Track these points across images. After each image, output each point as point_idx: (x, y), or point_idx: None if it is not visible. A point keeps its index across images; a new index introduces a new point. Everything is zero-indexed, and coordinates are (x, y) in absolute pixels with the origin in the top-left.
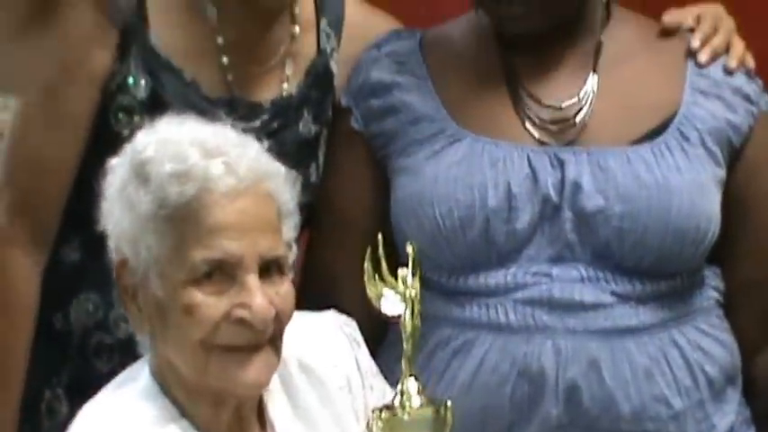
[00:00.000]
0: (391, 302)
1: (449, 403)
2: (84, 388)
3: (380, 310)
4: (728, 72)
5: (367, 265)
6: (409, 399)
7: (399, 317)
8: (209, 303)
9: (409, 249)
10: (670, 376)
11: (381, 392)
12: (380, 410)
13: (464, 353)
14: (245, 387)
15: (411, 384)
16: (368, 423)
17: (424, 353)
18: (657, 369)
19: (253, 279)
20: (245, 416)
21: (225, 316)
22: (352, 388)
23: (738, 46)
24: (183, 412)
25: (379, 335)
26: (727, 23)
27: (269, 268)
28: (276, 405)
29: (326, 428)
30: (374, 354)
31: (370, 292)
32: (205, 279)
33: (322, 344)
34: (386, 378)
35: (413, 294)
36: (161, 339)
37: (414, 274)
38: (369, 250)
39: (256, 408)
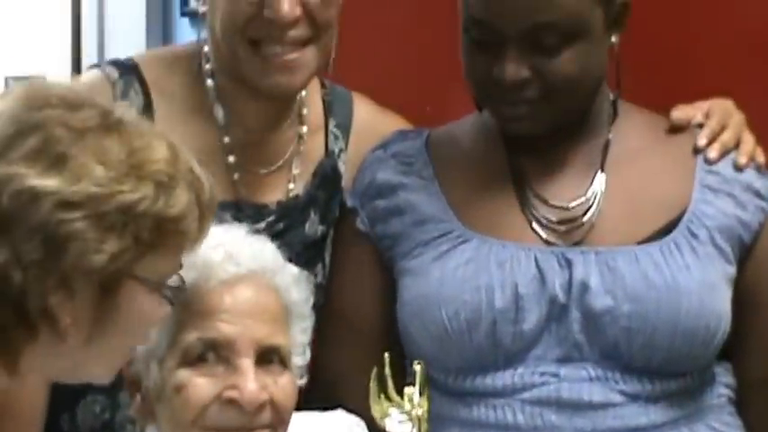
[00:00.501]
0: (397, 421)
1: None
2: None
3: (385, 429)
4: (738, 168)
5: (372, 384)
6: None
7: None
8: (200, 384)
9: (417, 368)
10: None
11: None
12: None
13: None
14: None
15: None
16: None
17: None
18: None
19: (246, 363)
20: None
21: (216, 397)
22: None
23: (748, 141)
24: None
25: None
26: (737, 118)
27: (269, 358)
28: None
29: None
30: None
31: (375, 411)
32: (199, 361)
33: None
34: None
35: (420, 414)
36: (163, 423)
37: (421, 393)
38: (375, 369)
39: None
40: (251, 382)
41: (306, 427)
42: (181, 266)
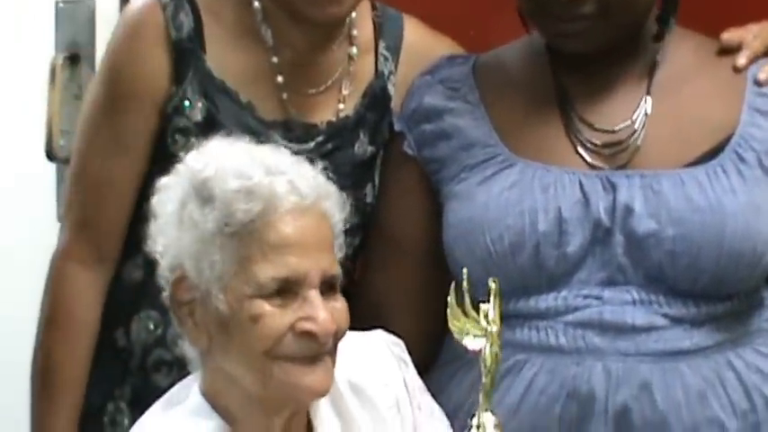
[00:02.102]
0: (473, 337)
1: None
2: (145, 402)
3: (463, 345)
4: None
5: (451, 299)
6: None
7: (481, 353)
8: (275, 315)
9: (492, 285)
10: (725, 399)
11: (429, 411)
12: None
13: (514, 374)
14: (309, 394)
15: (488, 418)
16: None
17: (475, 374)
18: (712, 391)
19: (314, 294)
20: (294, 427)
21: (290, 328)
22: (401, 407)
23: None
24: (234, 429)
25: (427, 355)
26: None
27: (329, 286)
28: (326, 425)
29: None
30: (422, 373)
31: (454, 326)
32: (272, 294)
33: (371, 364)
34: (437, 397)
35: (494, 330)
36: (221, 352)
37: (495, 308)
38: (453, 285)
39: (305, 427)
40: (323, 312)
41: (347, 347)
42: None
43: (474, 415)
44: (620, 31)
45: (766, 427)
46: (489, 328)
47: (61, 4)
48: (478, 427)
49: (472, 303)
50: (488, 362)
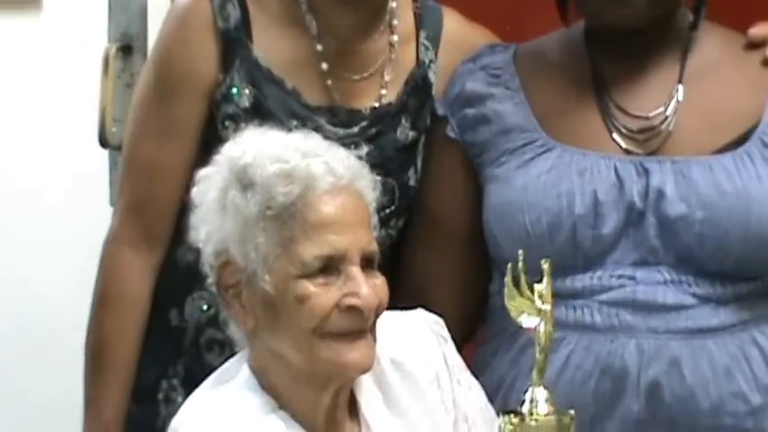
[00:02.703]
0: (527, 316)
1: (572, 413)
2: (197, 380)
3: (519, 323)
4: None
5: (507, 279)
6: (537, 406)
7: (536, 330)
8: (321, 294)
9: (545, 266)
10: (749, 373)
11: (467, 386)
12: (510, 415)
13: (551, 351)
14: (355, 369)
15: (540, 393)
16: (499, 427)
17: (515, 349)
18: (737, 367)
19: (356, 270)
20: (340, 403)
21: (335, 305)
22: (440, 382)
23: None
24: (282, 404)
25: (466, 333)
26: None
27: (369, 262)
28: (369, 400)
29: (418, 421)
30: (461, 350)
31: (511, 306)
32: (319, 273)
33: (412, 341)
34: (479, 373)
35: (548, 309)
36: (269, 332)
37: (546, 287)
38: (509, 266)
39: (348, 402)
40: (366, 288)
41: (389, 325)
42: None
43: (527, 390)
44: (657, 6)
45: None
46: (543, 308)
47: (115, 1)
48: (531, 401)
49: (522, 279)
50: (543, 339)
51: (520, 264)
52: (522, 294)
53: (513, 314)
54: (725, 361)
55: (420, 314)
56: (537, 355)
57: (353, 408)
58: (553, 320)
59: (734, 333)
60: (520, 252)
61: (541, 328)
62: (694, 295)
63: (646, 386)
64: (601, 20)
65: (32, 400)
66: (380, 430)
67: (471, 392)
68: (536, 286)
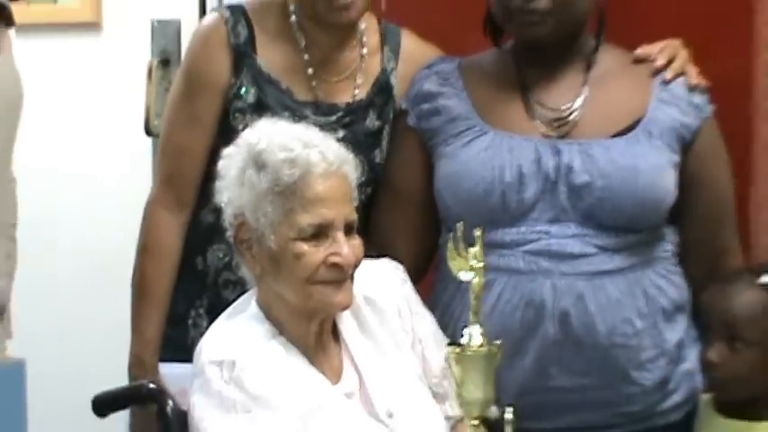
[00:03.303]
0: (466, 273)
1: (498, 343)
2: (217, 310)
3: (459, 277)
4: (686, 88)
5: (450, 244)
6: (472, 340)
7: (470, 282)
8: (313, 253)
9: (478, 233)
10: (634, 305)
11: (422, 316)
12: (454, 346)
13: (486, 290)
14: (338, 307)
15: (475, 329)
16: (446, 358)
17: (460, 289)
18: (625, 300)
19: (341, 235)
20: (325, 330)
21: (323, 261)
22: (401, 313)
23: (693, 69)
24: (281, 331)
25: (420, 275)
26: (683, 53)
27: (350, 228)
28: (348, 328)
29: (385, 342)
30: (417, 288)
31: (452, 264)
32: (312, 237)
33: (380, 282)
34: (433, 306)
35: (479, 266)
36: (272, 278)
37: (478, 250)
38: (451, 235)
39: (331, 329)
40: (346, 248)
41: (363, 270)
42: None
43: (464, 327)
44: (563, 29)
45: (662, 326)
46: (477, 265)
47: (156, 23)
48: (469, 336)
49: (459, 244)
50: (476, 289)
51: (459, 233)
52: (460, 255)
53: (454, 271)
54: (617, 296)
55: (386, 262)
56: (472, 301)
57: (336, 333)
58: (483, 275)
59: (624, 274)
60: (458, 225)
61: (475, 281)
62: (595, 246)
63: (558, 315)
64: (524, 36)
65: (95, 327)
66: (356, 349)
67: (425, 321)
68: (470, 250)
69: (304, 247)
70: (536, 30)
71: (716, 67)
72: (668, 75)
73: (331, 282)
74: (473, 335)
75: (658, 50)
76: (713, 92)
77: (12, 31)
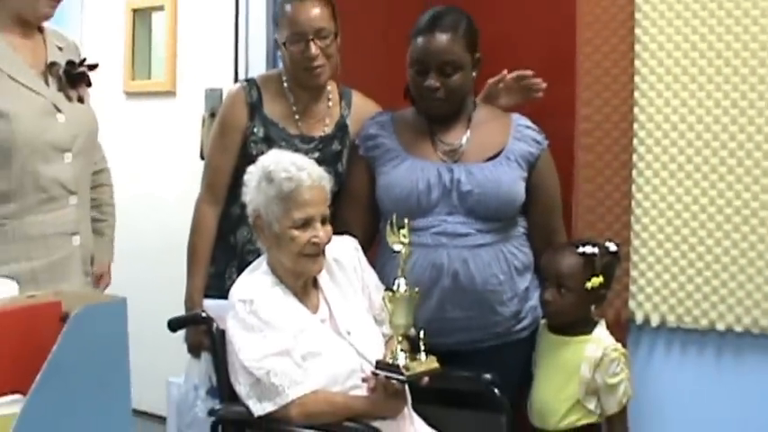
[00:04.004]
0: (398, 245)
1: (417, 289)
2: (243, 269)
3: (393, 248)
4: (531, 130)
5: (388, 228)
6: (399, 287)
7: (400, 251)
8: (301, 236)
9: (406, 221)
10: (498, 265)
11: (369, 271)
12: (388, 291)
13: (408, 259)
14: (315, 271)
15: (402, 281)
16: (383, 298)
17: (392, 256)
18: (493, 263)
19: (319, 225)
20: (308, 282)
21: (307, 241)
22: (356, 269)
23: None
24: (281, 281)
25: (368, 246)
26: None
27: (323, 220)
28: (322, 278)
29: (347, 287)
30: (366, 254)
31: (389, 239)
32: (301, 226)
33: (344, 249)
34: (377, 267)
35: (407, 242)
36: (276, 249)
37: (406, 232)
38: (389, 221)
39: (312, 279)
40: (322, 233)
41: (334, 242)
42: None
43: (395, 279)
44: (454, 105)
45: (516, 278)
46: (404, 241)
47: (208, 90)
48: (397, 285)
49: (394, 228)
50: (404, 256)
51: (394, 221)
52: (394, 234)
53: (390, 244)
54: (488, 260)
55: (346, 237)
56: (401, 263)
57: (315, 282)
58: (410, 247)
59: (492, 246)
60: (393, 215)
61: (404, 251)
62: (475, 229)
63: (452, 273)
64: (428, 113)
65: (164, 285)
66: (327, 292)
67: (371, 274)
68: (401, 230)
69: (296, 232)
70: (436, 110)
71: (548, 99)
72: (522, 120)
73: (312, 255)
74: (400, 284)
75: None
76: (546, 124)
77: (117, 95)
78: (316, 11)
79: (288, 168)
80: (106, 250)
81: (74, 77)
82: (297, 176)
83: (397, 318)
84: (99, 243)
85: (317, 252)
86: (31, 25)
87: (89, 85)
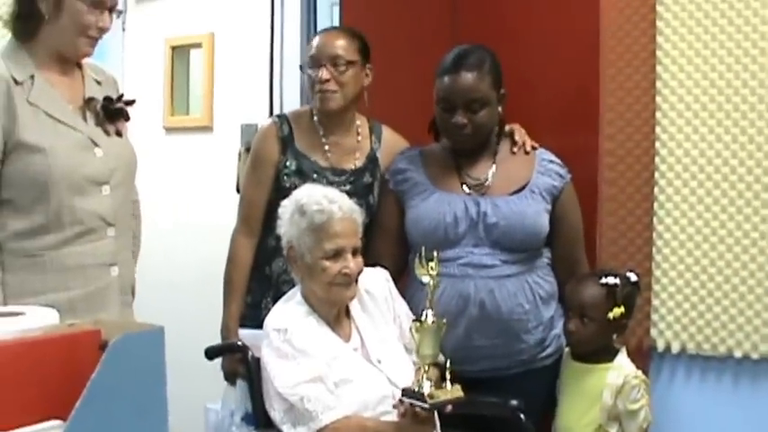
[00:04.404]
0: (426, 277)
1: (444, 320)
2: (278, 299)
3: (421, 280)
4: (554, 164)
5: (416, 261)
6: (427, 318)
7: (428, 283)
8: (332, 267)
9: (435, 254)
10: (524, 295)
11: (400, 301)
12: (416, 322)
13: (436, 288)
14: (348, 300)
15: (429, 312)
16: (410, 328)
17: (420, 287)
18: (519, 292)
19: (350, 256)
20: (341, 311)
21: (338, 272)
22: (387, 299)
23: (530, 142)
24: (315, 311)
25: (398, 277)
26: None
27: (354, 251)
28: (354, 308)
29: (378, 318)
30: (397, 284)
31: (418, 271)
32: (332, 257)
33: (375, 280)
34: (407, 297)
35: (435, 274)
36: (308, 280)
37: (434, 264)
38: (418, 254)
39: (345, 309)
40: (353, 264)
41: (365, 274)
42: None
43: (423, 310)
44: (480, 138)
45: (541, 308)
46: (432, 273)
47: (243, 126)
48: (426, 315)
49: (423, 260)
50: (432, 288)
51: (423, 254)
52: (422, 266)
53: (418, 276)
54: (513, 290)
55: (378, 269)
56: (429, 295)
57: (348, 312)
58: (438, 279)
59: (517, 277)
60: (422, 247)
61: (431, 283)
62: (500, 260)
63: (478, 302)
64: (456, 147)
65: (201, 313)
66: (359, 321)
67: (401, 304)
68: (429, 263)
69: (327, 263)
70: (462, 144)
71: (571, 133)
72: (546, 156)
73: (343, 284)
74: (428, 315)
75: (530, 143)
76: (570, 158)
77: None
78: (336, 41)
79: (320, 201)
80: None
81: (111, 113)
82: (328, 209)
83: (423, 348)
84: None
85: (348, 282)
86: (69, 62)
87: (127, 119)
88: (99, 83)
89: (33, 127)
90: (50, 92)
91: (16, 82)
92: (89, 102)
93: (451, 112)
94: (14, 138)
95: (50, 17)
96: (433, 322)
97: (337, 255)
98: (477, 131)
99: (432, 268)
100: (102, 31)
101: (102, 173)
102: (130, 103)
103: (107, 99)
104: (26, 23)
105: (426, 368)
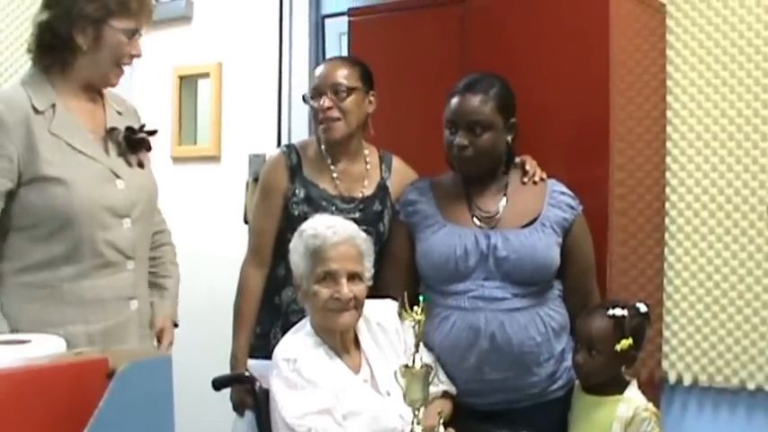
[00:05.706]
0: (410, 322)
1: (431, 364)
2: (287, 329)
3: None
4: (565, 196)
5: (401, 306)
6: (414, 363)
7: (413, 327)
8: (323, 291)
9: (421, 298)
10: (535, 328)
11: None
12: (403, 366)
13: (446, 319)
14: (340, 326)
15: (417, 356)
16: (394, 373)
17: (430, 319)
18: (530, 325)
19: (344, 281)
20: (349, 341)
21: (329, 296)
22: (397, 331)
23: (540, 173)
24: (324, 342)
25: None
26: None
27: (353, 276)
28: (364, 339)
29: (388, 349)
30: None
31: (403, 316)
32: (323, 280)
33: (386, 312)
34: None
35: (420, 319)
36: (310, 307)
37: (421, 309)
38: (401, 298)
39: (353, 339)
40: (344, 289)
41: (376, 305)
42: None
43: (411, 355)
44: (483, 165)
45: (553, 340)
46: (418, 318)
47: (252, 156)
48: (414, 360)
49: (406, 305)
50: (418, 331)
51: (406, 299)
52: (406, 312)
53: (404, 320)
54: (524, 323)
55: (389, 301)
56: (415, 339)
57: (358, 344)
58: (423, 324)
59: (528, 310)
60: (405, 294)
61: (417, 328)
62: (511, 293)
63: (489, 335)
64: (460, 171)
65: (210, 341)
66: (369, 353)
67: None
68: (415, 308)
69: (316, 287)
70: (464, 167)
71: (582, 164)
72: (557, 186)
73: (335, 310)
74: (415, 360)
75: (540, 173)
76: (580, 187)
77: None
78: (336, 70)
79: (315, 227)
80: (168, 305)
81: (134, 143)
82: (322, 234)
83: (411, 393)
84: (161, 298)
85: (340, 308)
86: (95, 90)
87: (149, 149)
88: (120, 113)
89: (55, 159)
90: (72, 121)
91: (36, 111)
92: (111, 132)
93: (455, 134)
94: (33, 169)
95: (88, 49)
96: (421, 367)
97: (329, 279)
98: (478, 154)
99: (417, 313)
100: (134, 57)
101: (124, 205)
102: (153, 133)
103: (129, 129)
104: (60, 55)
105: (418, 413)
